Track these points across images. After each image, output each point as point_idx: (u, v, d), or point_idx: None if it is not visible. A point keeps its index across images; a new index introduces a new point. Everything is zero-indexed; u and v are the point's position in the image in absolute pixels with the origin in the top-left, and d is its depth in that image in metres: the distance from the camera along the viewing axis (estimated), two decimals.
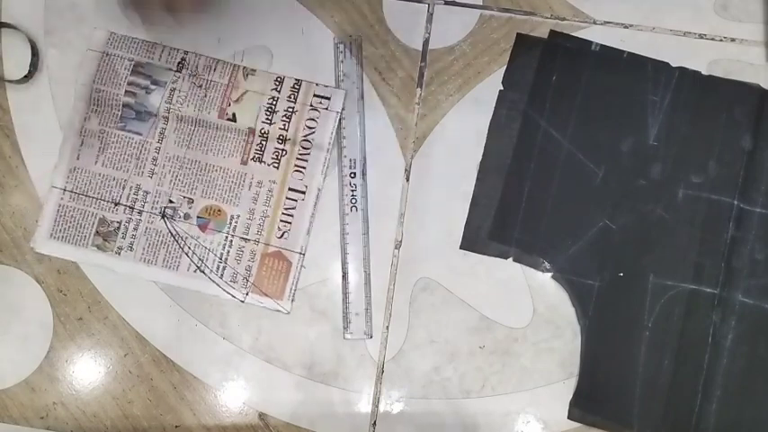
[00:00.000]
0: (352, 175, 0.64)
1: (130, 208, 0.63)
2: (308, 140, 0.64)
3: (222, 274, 0.63)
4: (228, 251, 0.63)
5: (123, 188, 0.63)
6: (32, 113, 0.65)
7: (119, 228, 0.63)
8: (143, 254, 0.63)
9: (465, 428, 0.62)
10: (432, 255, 0.64)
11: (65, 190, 0.63)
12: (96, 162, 0.63)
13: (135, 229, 0.63)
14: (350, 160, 0.64)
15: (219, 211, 0.63)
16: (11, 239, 0.64)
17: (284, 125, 0.64)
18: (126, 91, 0.64)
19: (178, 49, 0.65)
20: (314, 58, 0.65)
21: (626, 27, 0.66)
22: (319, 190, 0.64)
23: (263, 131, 0.64)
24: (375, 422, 0.62)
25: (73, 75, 0.64)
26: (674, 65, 0.65)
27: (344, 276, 0.63)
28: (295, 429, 0.62)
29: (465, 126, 0.65)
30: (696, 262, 0.62)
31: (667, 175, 0.63)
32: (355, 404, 0.62)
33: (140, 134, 0.64)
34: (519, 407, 0.62)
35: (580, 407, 0.62)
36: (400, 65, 0.66)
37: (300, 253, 0.63)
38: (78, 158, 0.63)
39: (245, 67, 0.65)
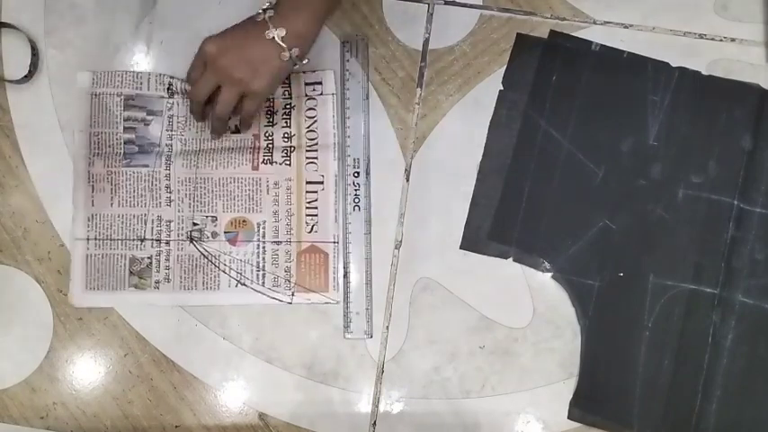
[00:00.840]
0: (356, 175, 0.64)
1: (157, 240, 0.63)
2: (312, 131, 0.64)
3: (264, 282, 0.63)
4: (264, 258, 0.63)
5: (145, 223, 0.63)
6: (32, 113, 0.65)
7: (151, 263, 0.63)
8: (181, 281, 0.63)
9: (465, 428, 0.62)
10: (432, 255, 0.64)
11: (88, 239, 0.63)
12: (112, 204, 0.63)
13: (167, 259, 0.63)
14: (354, 159, 0.64)
15: (245, 221, 0.63)
16: (11, 239, 0.64)
17: (286, 122, 0.64)
18: (125, 127, 0.63)
19: (163, 74, 0.64)
20: (315, 58, 0.64)
21: (626, 27, 0.66)
22: (336, 176, 0.64)
23: (267, 134, 0.64)
24: (375, 422, 0.62)
25: (72, 74, 0.64)
26: (674, 65, 0.65)
27: (346, 276, 0.63)
28: (295, 429, 0.62)
29: (465, 126, 0.65)
30: (696, 262, 0.62)
31: (667, 175, 0.63)
32: (355, 404, 0.62)
33: (147, 166, 0.63)
34: (519, 407, 0.62)
35: (580, 407, 0.62)
36: (400, 65, 0.66)
37: (334, 242, 0.63)
38: (93, 205, 0.63)
39: None
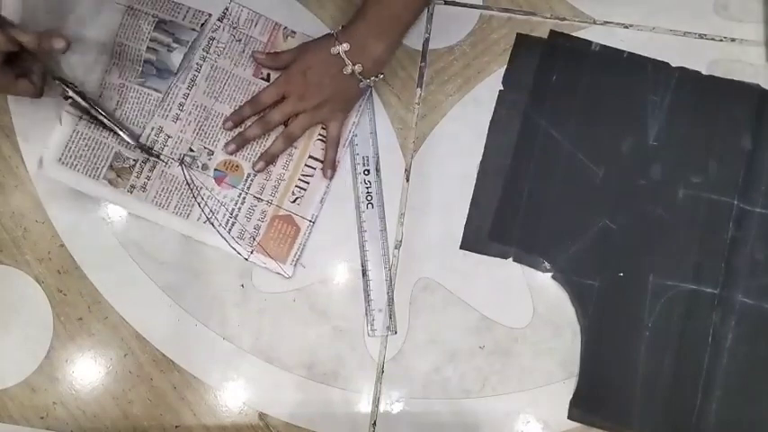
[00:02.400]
0: (366, 173, 0.64)
1: (150, 149, 0.62)
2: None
3: (230, 230, 0.63)
4: (240, 208, 0.63)
5: (144, 128, 0.63)
6: (32, 113, 0.65)
7: (134, 166, 0.63)
8: (156, 197, 0.63)
9: (465, 428, 0.62)
10: (432, 255, 0.64)
11: (81, 117, 0.62)
12: (115, 111, 0.63)
13: (151, 170, 0.63)
14: (362, 158, 0.64)
15: (237, 166, 0.64)
16: (11, 239, 0.64)
17: None
18: (148, 47, 0.63)
19: (203, 11, 0.64)
20: None
21: (626, 27, 0.66)
22: (339, 162, 0.64)
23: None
24: (375, 422, 0.62)
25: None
26: (674, 65, 0.65)
27: (364, 273, 0.63)
28: (295, 429, 0.62)
29: (465, 126, 0.65)
30: (696, 262, 0.62)
31: (667, 175, 0.63)
32: (355, 404, 0.62)
33: (159, 91, 0.63)
34: (519, 407, 0.62)
35: (580, 407, 0.62)
36: (400, 65, 0.66)
37: (311, 221, 0.63)
38: (100, 98, 0.63)
39: (285, 28, 0.65)
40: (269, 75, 0.64)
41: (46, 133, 0.63)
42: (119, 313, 0.63)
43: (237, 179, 0.64)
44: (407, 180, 0.65)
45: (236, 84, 0.64)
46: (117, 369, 0.63)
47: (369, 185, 0.64)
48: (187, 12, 0.65)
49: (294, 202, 0.63)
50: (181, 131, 0.63)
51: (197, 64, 0.64)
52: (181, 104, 0.63)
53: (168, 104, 0.63)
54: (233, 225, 0.63)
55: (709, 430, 0.61)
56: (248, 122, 0.64)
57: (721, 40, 0.65)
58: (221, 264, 0.64)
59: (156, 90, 0.64)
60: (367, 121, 0.65)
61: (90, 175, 0.63)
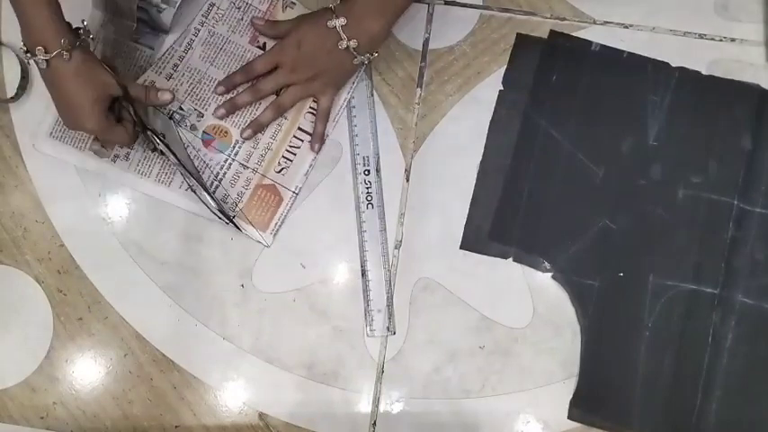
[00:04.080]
0: (366, 173, 0.64)
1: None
2: None
3: (214, 193, 0.63)
4: (225, 173, 0.63)
5: (135, 79, 0.63)
6: (32, 113, 0.65)
7: None
8: (138, 166, 0.63)
9: (465, 428, 0.62)
10: (432, 255, 0.64)
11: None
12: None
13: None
14: (363, 158, 0.64)
15: (226, 132, 0.64)
16: (11, 239, 0.64)
17: None
18: (138, 6, 0.63)
19: None
20: None
21: (626, 27, 0.66)
22: (327, 136, 0.64)
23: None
24: (375, 422, 0.62)
25: None
26: (674, 65, 0.65)
27: (364, 274, 0.63)
28: (295, 429, 0.62)
29: (465, 126, 0.65)
30: (696, 262, 0.62)
31: (667, 175, 0.63)
32: (355, 404, 0.62)
33: (152, 48, 0.64)
34: (519, 407, 0.62)
35: (580, 407, 0.61)
36: (400, 65, 0.66)
37: (294, 192, 0.64)
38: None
39: None
40: (265, 44, 0.65)
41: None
42: (119, 313, 0.63)
43: (225, 145, 0.64)
44: (407, 180, 0.65)
45: (233, 50, 0.65)
46: (117, 369, 0.63)
47: (369, 185, 0.64)
48: None
49: (279, 172, 0.64)
50: (173, 89, 0.64)
51: (195, 29, 0.64)
52: (175, 65, 0.64)
53: (163, 63, 0.64)
54: (216, 188, 0.63)
55: (709, 430, 0.61)
56: (240, 89, 0.64)
57: (721, 40, 0.65)
58: (221, 264, 0.64)
59: (149, 47, 0.64)
60: (367, 121, 0.65)
61: (77, 147, 0.63)
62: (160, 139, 0.60)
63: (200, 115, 0.64)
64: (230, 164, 0.64)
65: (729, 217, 0.63)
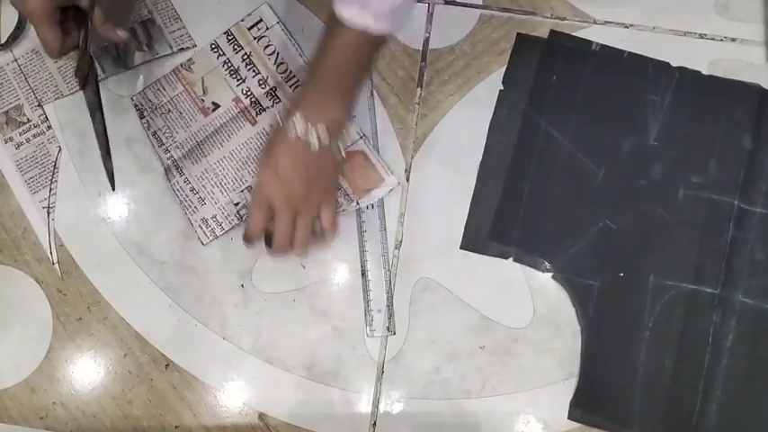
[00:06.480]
0: None
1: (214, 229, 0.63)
2: (281, 63, 0.65)
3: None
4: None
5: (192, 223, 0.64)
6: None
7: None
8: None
9: (465, 429, 0.62)
10: (432, 255, 0.63)
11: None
12: None
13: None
14: None
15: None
16: (11, 239, 0.64)
17: (253, 71, 0.65)
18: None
19: (191, 37, 0.65)
20: None
21: (626, 27, 0.66)
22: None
23: (244, 91, 0.65)
24: (375, 422, 0.62)
25: None
26: (674, 65, 0.65)
27: (364, 274, 0.63)
28: (295, 429, 0.62)
29: (465, 126, 0.65)
30: (696, 262, 0.62)
31: (668, 175, 0.63)
32: (355, 404, 0.62)
33: (104, 71, 0.64)
34: (519, 407, 0.62)
35: (580, 407, 0.61)
36: (400, 65, 0.66)
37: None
38: None
39: (181, 64, 0.65)
40: (213, 102, 0.65)
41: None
42: (118, 313, 0.63)
43: None
44: (407, 180, 0.64)
45: (206, 132, 0.65)
46: (117, 369, 0.63)
47: None
48: (179, 30, 0.65)
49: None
50: (216, 204, 0.64)
51: (169, 159, 0.64)
52: (193, 189, 0.64)
53: (187, 201, 0.64)
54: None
55: (709, 430, 0.60)
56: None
57: (722, 40, 0.65)
58: (221, 264, 0.64)
59: (102, 69, 0.64)
60: (367, 121, 0.65)
61: None
62: (95, 71, 0.59)
63: (251, 188, 0.63)
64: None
65: (730, 217, 0.63)
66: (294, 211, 0.57)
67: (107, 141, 0.60)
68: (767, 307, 0.62)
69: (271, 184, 0.57)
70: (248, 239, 0.59)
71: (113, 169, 0.61)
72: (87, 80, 0.59)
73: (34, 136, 0.65)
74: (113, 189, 0.62)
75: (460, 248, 0.63)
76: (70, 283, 0.64)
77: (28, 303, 0.63)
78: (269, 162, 0.57)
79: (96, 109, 0.59)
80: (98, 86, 0.59)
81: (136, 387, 0.63)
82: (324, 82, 0.56)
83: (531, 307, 0.63)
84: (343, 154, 0.59)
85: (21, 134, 0.65)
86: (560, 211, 0.63)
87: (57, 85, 0.65)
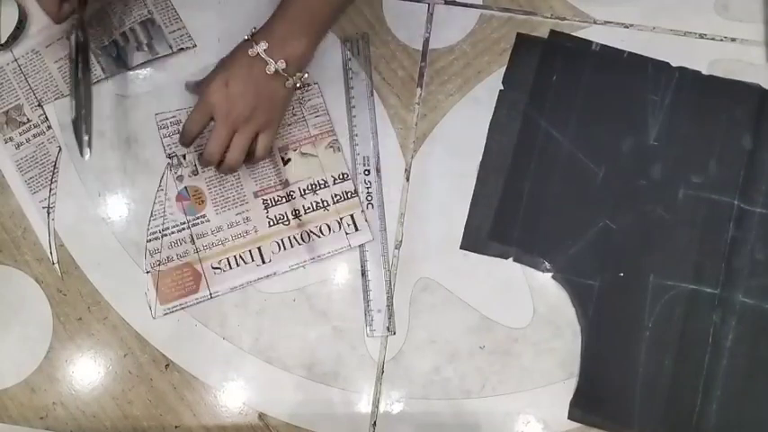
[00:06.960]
0: (366, 173, 0.64)
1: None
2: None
3: (149, 241, 0.63)
4: (172, 233, 0.63)
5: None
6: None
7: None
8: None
9: (465, 429, 0.62)
10: (432, 255, 0.63)
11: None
12: None
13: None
14: (363, 158, 0.64)
15: (203, 201, 0.63)
16: (11, 239, 0.64)
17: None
18: (122, 32, 0.63)
19: (191, 37, 0.65)
20: (318, 58, 0.64)
21: (626, 27, 0.66)
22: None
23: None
24: (375, 422, 0.62)
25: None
26: (674, 65, 0.65)
27: (364, 274, 0.63)
28: (295, 429, 0.62)
29: (465, 126, 0.65)
30: (696, 262, 0.62)
31: (667, 175, 0.63)
32: (355, 404, 0.62)
33: (105, 73, 0.64)
34: (519, 407, 0.62)
35: (580, 407, 0.61)
36: (400, 65, 0.66)
37: (211, 296, 0.63)
38: None
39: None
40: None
41: None
42: (118, 313, 0.63)
43: (193, 210, 0.63)
44: (407, 180, 0.64)
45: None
46: (117, 369, 0.63)
47: (369, 185, 0.64)
48: (179, 30, 0.65)
49: (215, 269, 0.63)
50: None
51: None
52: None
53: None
54: (156, 240, 0.63)
55: (709, 430, 0.60)
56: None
57: (722, 40, 0.65)
58: None
59: (102, 69, 0.64)
60: (367, 121, 0.65)
61: None
62: (83, 35, 0.58)
63: (195, 173, 0.64)
64: (182, 229, 0.63)
65: (729, 217, 0.63)
66: (233, 128, 0.57)
67: (85, 99, 0.57)
68: (767, 307, 0.62)
69: (218, 94, 0.57)
70: (183, 138, 0.59)
71: (90, 133, 0.56)
72: (77, 37, 0.58)
73: (34, 136, 0.65)
74: (81, 154, 0.56)
75: (460, 248, 0.63)
76: (70, 283, 0.64)
77: (28, 303, 0.63)
78: (222, 74, 0.57)
79: (78, 59, 0.57)
80: (87, 43, 0.58)
81: (136, 387, 0.63)
82: (294, 15, 0.56)
83: (531, 307, 0.63)
84: (298, 85, 0.59)
85: (21, 134, 0.65)
86: (560, 211, 0.63)
87: (57, 85, 0.65)
